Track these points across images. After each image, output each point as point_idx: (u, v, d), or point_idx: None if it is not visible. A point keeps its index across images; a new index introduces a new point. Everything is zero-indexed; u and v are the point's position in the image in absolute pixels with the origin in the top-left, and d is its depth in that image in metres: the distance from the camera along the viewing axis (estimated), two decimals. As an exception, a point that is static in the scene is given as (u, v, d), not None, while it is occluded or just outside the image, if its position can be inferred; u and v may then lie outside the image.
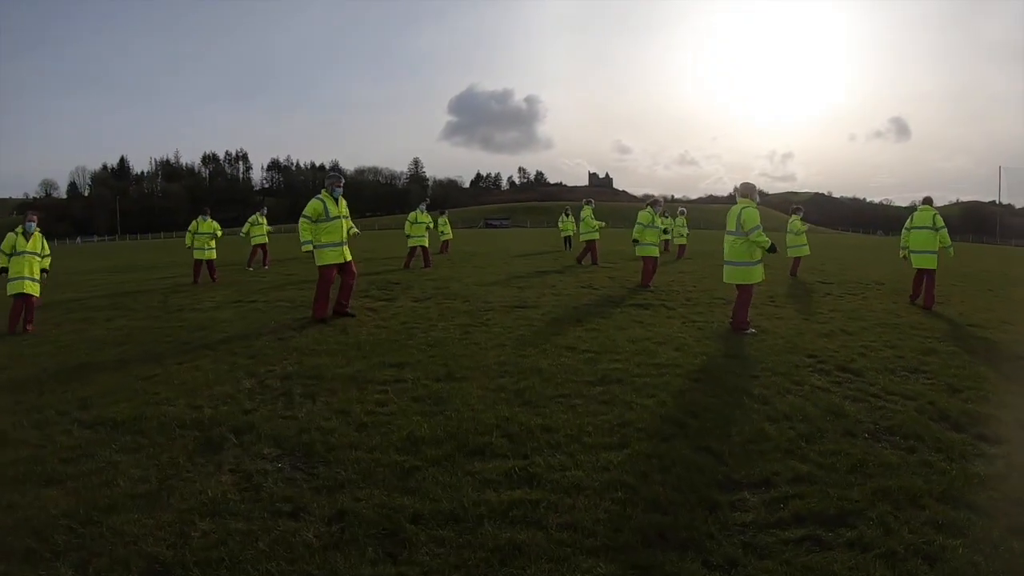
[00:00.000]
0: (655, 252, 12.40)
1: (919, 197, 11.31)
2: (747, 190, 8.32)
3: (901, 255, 11.24)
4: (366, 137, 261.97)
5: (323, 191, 8.85)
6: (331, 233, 8.66)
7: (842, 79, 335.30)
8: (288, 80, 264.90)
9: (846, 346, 7.14)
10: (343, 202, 8.92)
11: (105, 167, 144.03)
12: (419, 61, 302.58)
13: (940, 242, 10.39)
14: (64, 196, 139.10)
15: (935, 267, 10.40)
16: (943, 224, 10.47)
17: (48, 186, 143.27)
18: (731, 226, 8.18)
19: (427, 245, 16.85)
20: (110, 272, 19.81)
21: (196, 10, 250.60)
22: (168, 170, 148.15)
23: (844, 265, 18.88)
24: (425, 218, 17.14)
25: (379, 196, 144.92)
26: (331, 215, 8.65)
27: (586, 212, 18.05)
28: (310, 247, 8.62)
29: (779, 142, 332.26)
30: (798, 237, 15.48)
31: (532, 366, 5.87)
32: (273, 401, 5.14)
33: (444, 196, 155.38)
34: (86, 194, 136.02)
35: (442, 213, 23.18)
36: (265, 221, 18.64)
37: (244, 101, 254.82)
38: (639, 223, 12.42)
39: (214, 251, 14.98)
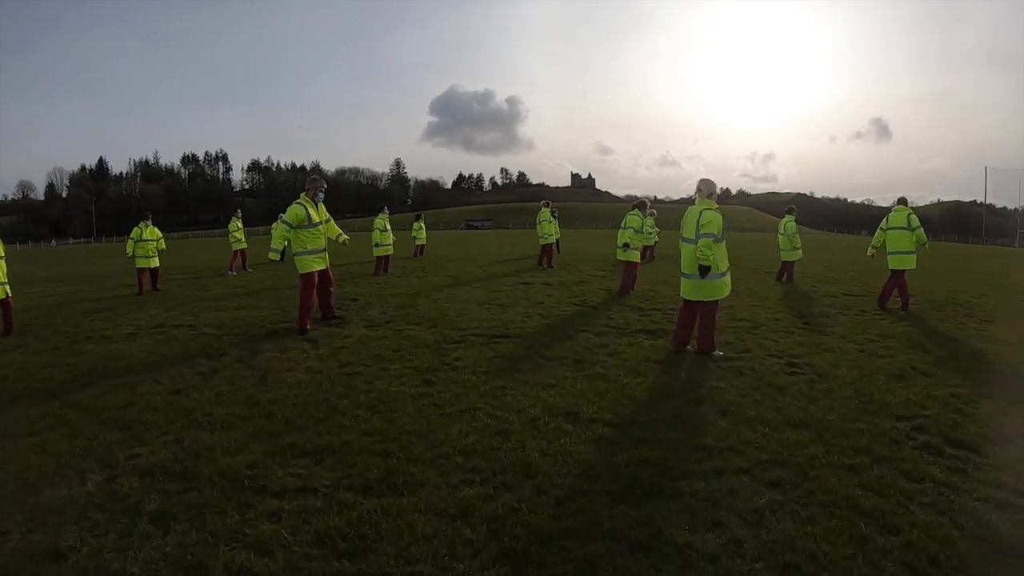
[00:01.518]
0: (638, 257, 11.94)
1: (901, 196, 10.76)
2: (708, 188, 6.93)
3: (869, 253, 11.16)
4: (347, 138, 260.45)
5: (303, 195, 8.16)
6: (315, 240, 8.10)
7: (823, 81, 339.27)
8: (270, 81, 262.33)
9: (933, 396, 5.32)
10: (322, 207, 8.29)
11: (83, 168, 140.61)
12: (401, 62, 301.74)
13: (917, 241, 10.31)
14: (42, 198, 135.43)
15: (913, 267, 10.37)
16: (918, 224, 10.34)
17: (25, 187, 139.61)
18: (689, 231, 6.86)
19: (392, 252, 16.06)
20: (56, 281, 17.56)
21: (177, 11, 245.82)
22: (147, 171, 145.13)
23: (861, 272, 17.12)
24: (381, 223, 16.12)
25: (361, 197, 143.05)
26: (314, 221, 8.06)
27: (544, 213, 17.01)
28: (277, 256, 8.26)
29: (760, 143, 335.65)
30: (791, 240, 14.02)
31: (517, 457, 3.87)
32: (108, 526, 3.22)
33: (426, 197, 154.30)
34: (64, 196, 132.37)
35: (417, 217, 22.86)
36: (241, 225, 17.94)
37: (225, 102, 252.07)
38: (631, 227, 11.51)
39: (157, 258, 13.69)
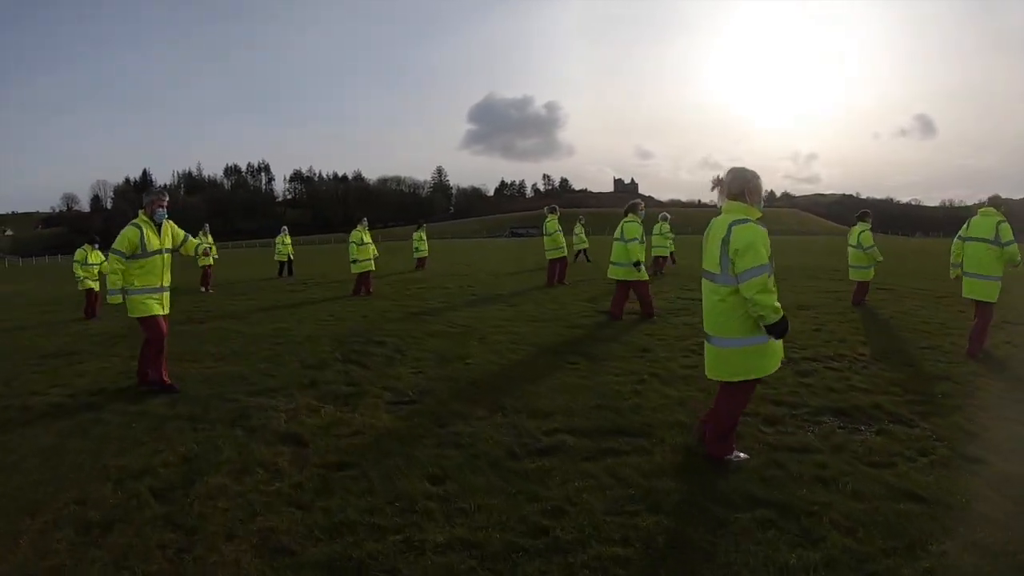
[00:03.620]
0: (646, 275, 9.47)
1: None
2: (739, 183, 3.82)
3: (952, 275, 7.39)
4: (387, 147, 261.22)
5: (140, 213, 6.00)
6: (149, 274, 5.94)
7: (865, 77, 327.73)
8: (310, 92, 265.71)
9: None
10: (170, 228, 6.20)
11: (128, 180, 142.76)
12: (438, 70, 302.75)
13: (1007, 261, 6.80)
14: (87, 210, 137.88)
15: (993, 299, 6.82)
16: (1011, 238, 6.78)
17: (69, 200, 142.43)
18: (710, 261, 3.90)
19: (374, 268, 13.96)
20: (56, 304, 15.30)
21: (219, 25, 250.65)
22: (190, 182, 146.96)
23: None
24: (367, 236, 14.00)
25: (403, 205, 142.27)
26: (149, 248, 5.91)
27: (551, 223, 13.96)
28: (118, 298, 5.94)
29: (802, 143, 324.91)
30: (869, 254, 10.67)
31: None
32: None
33: (468, 205, 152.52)
34: (109, 207, 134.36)
35: (418, 227, 21.34)
36: (211, 239, 16.43)
37: (267, 113, 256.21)
38: (634, 238, 9.15)
39: (98, 282, 12.40)
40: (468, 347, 7.37)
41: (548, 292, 12.69)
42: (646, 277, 9.23)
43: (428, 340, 7.84)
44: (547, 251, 14.07)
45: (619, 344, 7.36)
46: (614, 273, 9.34)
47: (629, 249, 9.05)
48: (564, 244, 13.98)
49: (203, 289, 15.62)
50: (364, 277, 13.61)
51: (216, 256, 16.65)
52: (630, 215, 9.36)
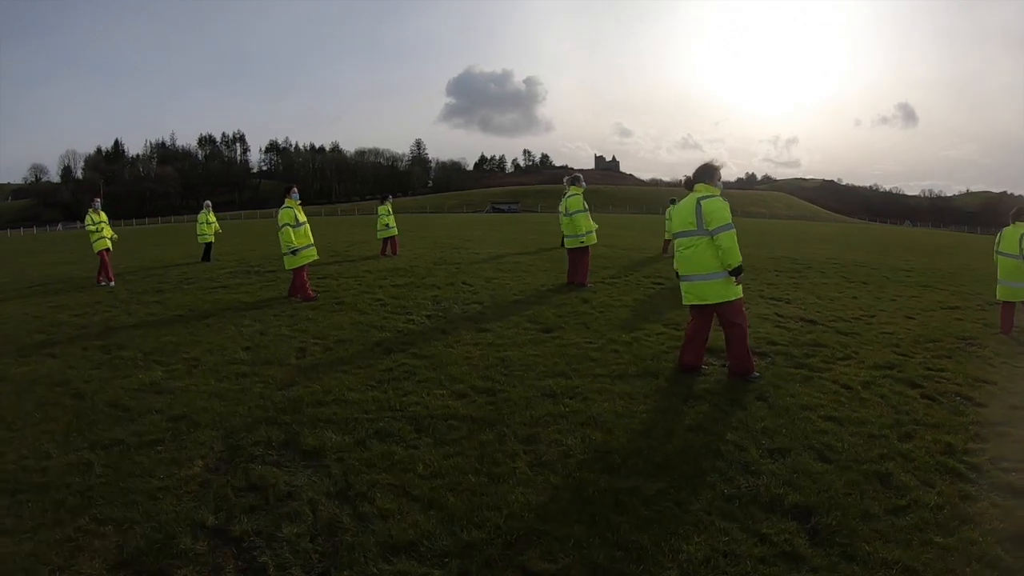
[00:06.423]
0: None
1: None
2: None
3: None
4: (365, 119, 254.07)
5: None
6: None
7: (848, 63, 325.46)
8: (287, 64, 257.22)
9: None
10: None
11: (99, 150, 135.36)
12: (417, 43, 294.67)
13: None
14: (58, 181, 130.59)
15: None
16: None
17: (37, 171, 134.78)
18: None
19: (317, 257, 9.89)
20: None
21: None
22: (163, 152, 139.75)
23: None
24: (302, 214, 9.63)
25: (380, 177, 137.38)
26: None
27: (574, 199, 9.92)
28: None
29: (783, 127, 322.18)
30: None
31: None
32: None
33: (447, 179, 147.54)
34: (79, 178, 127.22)
35: (383, 200, 16.55)
36: (104, 217, 12.40)
37: (243, 83, 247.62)
38: (726, 224, 4.98)
39: None
40: (507, 478, 3.29)
41: (587, 299, 8.63)
42: (741, 293, 5.11)
43: (415, 443, 3.78)
44: (566, 238, 9.98)
45: (839, 468, 3.42)
46: (694, 294, 5.13)
47: (724, 249, 4.94)
48: (591, 230, 9.77)
49: (100, 282, 11.64)
50: (301, 273, 9.31)
51: (115, 236, 12.64)
52: (702, 187, 5.20)
